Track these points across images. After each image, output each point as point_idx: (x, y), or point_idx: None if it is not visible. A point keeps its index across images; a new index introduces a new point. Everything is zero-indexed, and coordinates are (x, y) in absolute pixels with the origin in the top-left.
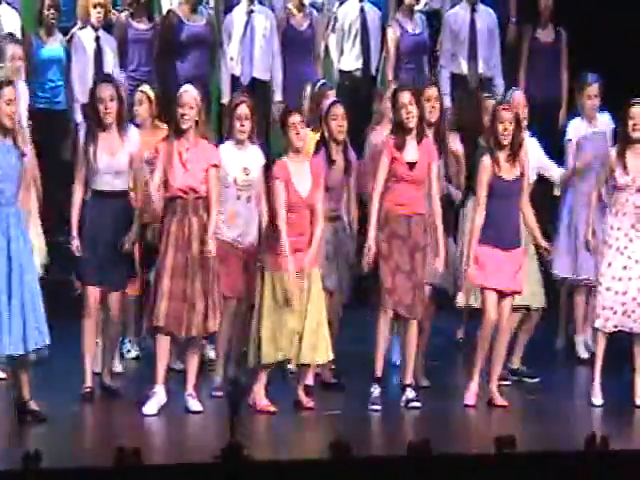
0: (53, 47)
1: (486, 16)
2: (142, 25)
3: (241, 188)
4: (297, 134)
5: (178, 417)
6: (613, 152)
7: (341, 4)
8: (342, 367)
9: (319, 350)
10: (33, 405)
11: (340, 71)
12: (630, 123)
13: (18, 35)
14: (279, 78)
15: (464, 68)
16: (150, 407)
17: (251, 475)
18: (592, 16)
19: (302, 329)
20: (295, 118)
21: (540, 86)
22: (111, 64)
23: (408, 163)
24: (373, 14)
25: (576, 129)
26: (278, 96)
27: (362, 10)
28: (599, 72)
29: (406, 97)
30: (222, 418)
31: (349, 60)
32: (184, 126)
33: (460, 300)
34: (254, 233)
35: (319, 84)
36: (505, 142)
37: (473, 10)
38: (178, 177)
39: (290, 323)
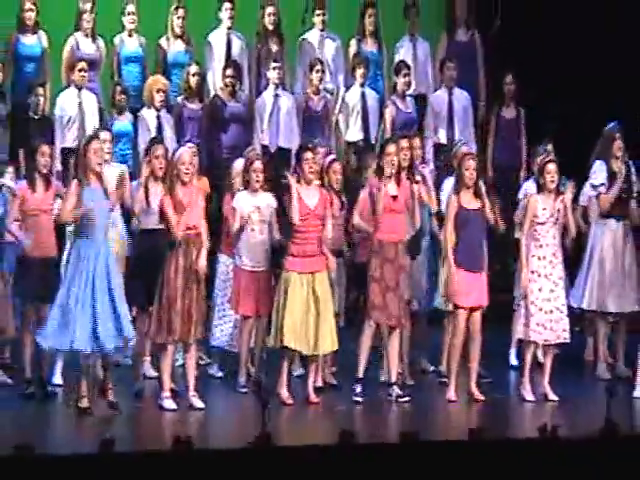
0: (123, 123)
1: (461, 97)
2: (194, 106)
3: (255, 224)
4: (310, 168)
5: (215, 412)
6: (534, 198)
7: (347, 89)
8: (343, 371)
9: (330, 339)
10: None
11: (346, 142)
12: (548, 177)
13: (96, 114)
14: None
15: (443, 138)
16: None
17: (279, 457)
18: (545, 99)
19: (317, 322)
20: (308, 155)
21: (504, 153)
22: (169, 137)
23: (391, 196)
24: (372, 97)
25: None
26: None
27: (363, 94)
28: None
29: (392, 148)
30: (248, 411)
31: (353, 133)
32: (186, 179)
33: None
34: (265, 260)
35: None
36: (470, 183)
37: (451, 93)
38: (184, 219)
39: (305, 317)
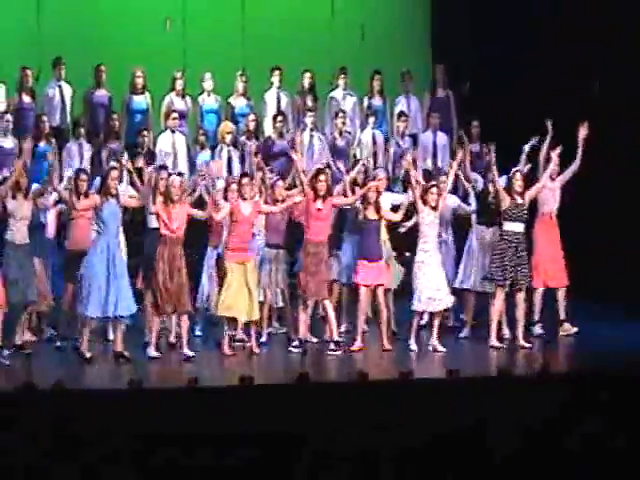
0: (204, 156)
1: (442, 137)
2: (252, 143)
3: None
4: (244, 190)
5: (264, 360)
6: (421, 209)
7: (362, 130)
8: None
9: (256, 309)
10: (126, 353)
11: None
12: (430, 196)
13: (185, 149)
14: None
15: (429, 166)
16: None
17: (314, 389)
18: (500, 138)
19: (249, 298)
20: (245, 180)
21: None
22: (236, 166)
23: (317, 208)
24: (379, 136)
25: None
26: None
27: (374, 135)
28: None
29: (322, 177)
30: (286, 358)
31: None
32: (175, 197)
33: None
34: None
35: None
36: (371, 201)
37: (435, 134)
38: (171, 223)
39: (240, 293)
